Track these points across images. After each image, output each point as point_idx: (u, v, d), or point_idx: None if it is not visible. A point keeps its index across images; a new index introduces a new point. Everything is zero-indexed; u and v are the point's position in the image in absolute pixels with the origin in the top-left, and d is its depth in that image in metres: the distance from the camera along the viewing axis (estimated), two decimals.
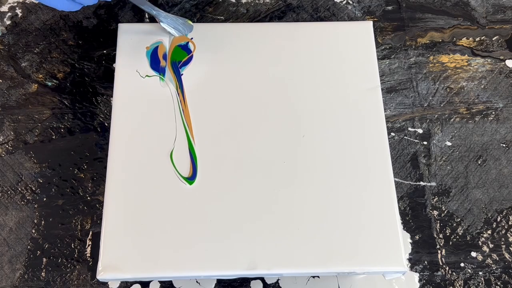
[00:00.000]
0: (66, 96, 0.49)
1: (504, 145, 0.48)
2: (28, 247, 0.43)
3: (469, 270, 0.43)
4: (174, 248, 0.36)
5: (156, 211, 0.37)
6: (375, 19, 0.53)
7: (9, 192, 0.45)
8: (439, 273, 0.43)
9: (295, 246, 0.36)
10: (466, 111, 0.49)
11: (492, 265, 0.44)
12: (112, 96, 0.41)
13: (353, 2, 0.54)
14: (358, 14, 0.54)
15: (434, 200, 0.46)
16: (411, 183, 0.46)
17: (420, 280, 0.43)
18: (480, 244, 0.44)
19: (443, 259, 0.44)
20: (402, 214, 0.45)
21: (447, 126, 0.49)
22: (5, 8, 0.52)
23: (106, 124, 0.47)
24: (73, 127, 0.47)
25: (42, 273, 0.42)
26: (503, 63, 0.52)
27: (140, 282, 0.42)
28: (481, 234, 0.45)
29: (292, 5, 0.54)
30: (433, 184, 0.46)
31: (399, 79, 0.51)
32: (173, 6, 0.53)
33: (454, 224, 0.45)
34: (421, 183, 0.46)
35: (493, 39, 0.53)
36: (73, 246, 0.43)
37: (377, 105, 0.41)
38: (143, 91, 0.41)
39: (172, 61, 0.42)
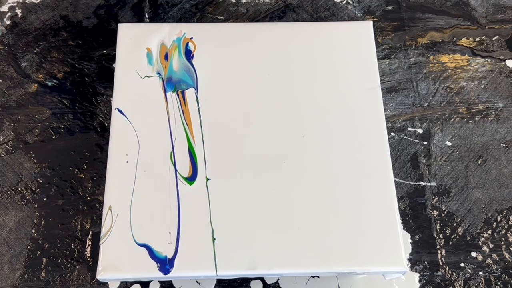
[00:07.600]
0: (66, 96, 0.49)
1: (504, 145, 0.48)
2: (28, 247, 0.43)
3: (469, 270, 0.43)
4: (173, 248, 0.36)
5: (156, 211, 0.37)
6: (375, 19, 0.53)
7: (9, 192, 0.45)
8: (439, 273, 0.43)
9: (295, 246, 0.36)
10: (466, 111, 0.49)
11: (492, 265, 0.44)
12: (112, 96, 0.41)
13: (353, 2, 0.54)
14: (358, 14, 0.54)
15: (434, 200, 0.46)
16: (411, 183, 0.46)
17: (420, 280, 0.43)
18: (480, 244, 0.44)
19: (443, 259, 0.44)
20: (402, 214, 0.45)
21: (447, 126, 0.49)
22: (5, 8, 0.52)
23: (106, 124, 0.47)
24: (73, 127, 0.47)
25: (42, 273, 0.42)
26: (503, 63, 0.52)
27: (140, 282, 0.42)
28: (481, 234, 0.45)
29: (292, 5, 0.54)
30: (433, 184, 0.46)
31: (399, 79, 0.51)
32: (173, 6, 0.53)
33: (454, 224, 0.45)
34: (421, 183, 0.46)
35: (493, 39, 0.53)
36: (73, 246, 0.43)
37: (377, 105, 0.41)
38: (142, 91, 0.41)
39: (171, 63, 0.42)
